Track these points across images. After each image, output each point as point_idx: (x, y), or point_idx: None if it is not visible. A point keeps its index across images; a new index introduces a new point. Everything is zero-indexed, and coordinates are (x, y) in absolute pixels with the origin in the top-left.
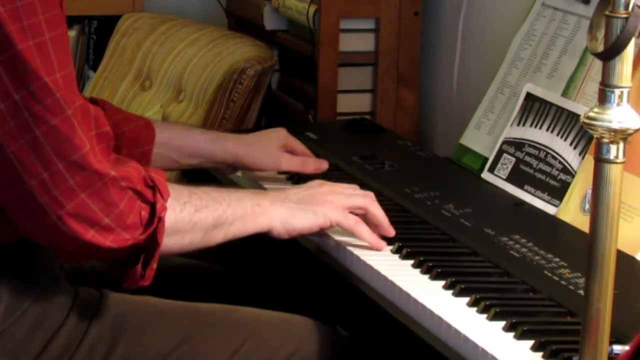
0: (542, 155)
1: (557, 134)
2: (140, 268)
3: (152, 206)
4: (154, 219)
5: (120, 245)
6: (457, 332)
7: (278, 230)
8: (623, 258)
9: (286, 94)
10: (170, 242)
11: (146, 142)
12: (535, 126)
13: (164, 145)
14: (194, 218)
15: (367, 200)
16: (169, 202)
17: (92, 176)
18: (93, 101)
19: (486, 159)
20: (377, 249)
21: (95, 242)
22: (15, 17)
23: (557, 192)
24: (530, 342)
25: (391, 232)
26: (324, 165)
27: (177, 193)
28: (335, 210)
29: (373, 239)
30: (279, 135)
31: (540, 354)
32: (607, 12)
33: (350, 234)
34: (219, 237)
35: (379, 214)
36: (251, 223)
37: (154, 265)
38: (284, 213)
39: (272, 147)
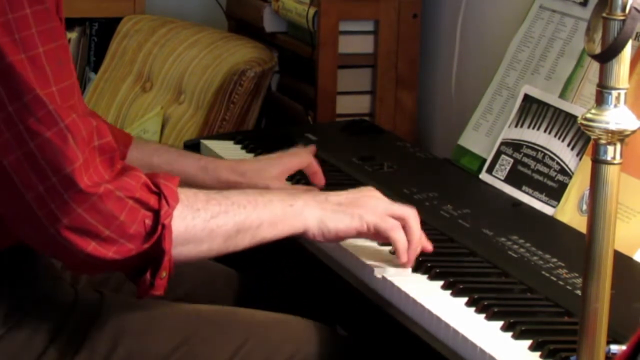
0: (539, 156)
1: (555, 135)
2: (149, 277)
3: (156, 213)
4: (158, 227)
5: (124, 256)
6: (455, 332)
7: (313, 231)
8: (620, 258)
9: (286, 95)
10: (185, 250)
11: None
12: (533, 127)
13: (154, 169)
14: (210, 225)
15: (409, 212)
16: (178, 209)
17: (84, 193)
18: None
19: (484, 160)
20: (402, 264)
21: (97, 254)
22: (6, 30)
23: (555, 193)
24: (528, 342)
25: (415, 252)
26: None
27: (190, 200)
28: (374, 214)
29: (403, 253)
30: (279, 162)
31: (538, 353)
32: (604, 14)
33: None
34: (244, 242)
35: (415, 230)
36: (283, 225)
37: (163, 274)
38: (319, 214)
39: (266, 176)
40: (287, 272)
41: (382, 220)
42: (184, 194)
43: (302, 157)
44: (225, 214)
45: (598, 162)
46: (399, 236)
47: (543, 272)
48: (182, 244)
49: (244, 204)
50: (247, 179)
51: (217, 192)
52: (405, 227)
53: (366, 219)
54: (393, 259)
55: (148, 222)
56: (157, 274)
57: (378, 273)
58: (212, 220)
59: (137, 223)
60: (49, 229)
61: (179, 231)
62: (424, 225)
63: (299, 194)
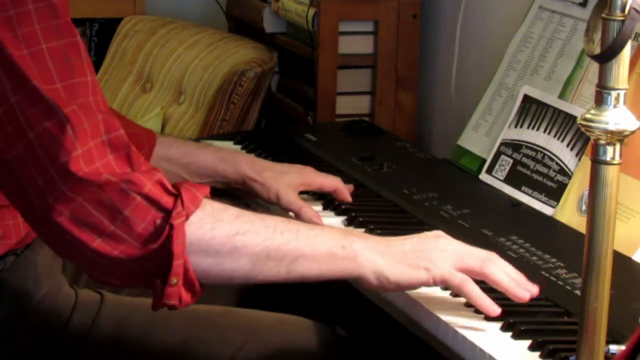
0: (539, 156)
1: (554, 136)
2: (159, 284)
3: (168, 214)
4: (166, 227)
5: (131, 256)
6: (455, 332)
7: (369, 280)
8: (619, 258)
9: (286, 96)
10: (205, 263)
11: (141, 145)
12: (533, 128)
13: (172, 161)
14: (235, 241)
15: (485, 265)
16: (197, 215)
17: (81, 181)
18: None
19: (484, 161)
20: (490, 314)
21: (103, 251)
22: (8, 26)
23: (554, 193)
24: (528, 342)
25: (524, 296)
26: (316, 221)
27: (216, 211)
28: (441, 268)
29: (484, 301)
30: (300, 173)
31: (538, 353)
32: (603, 15)
33: None
34: (277, 272)
35: (501, 279)
36: (330, 265)
37: (174, 280)
38: (379, 262)
39: (282, 180)
40: None
41: (449, 275)
42: (211, 204)
43: (328, 179)
44: (255, 234)
45: (597, 163)
46: (469, 290)
47: (542, 272)
48: (199, 254)
49: (281, 230)
50: (262, 178)
51: (252, 213)
52: (486, 280)
53: (433, 273)
54: None
55: (159, 222)
56: (167, 280)
57: None
58: (237, 236)
59: (146, 222)
60: (50, 224)
61: (194, 238)
62: (424, 225)
63: (359, 236)
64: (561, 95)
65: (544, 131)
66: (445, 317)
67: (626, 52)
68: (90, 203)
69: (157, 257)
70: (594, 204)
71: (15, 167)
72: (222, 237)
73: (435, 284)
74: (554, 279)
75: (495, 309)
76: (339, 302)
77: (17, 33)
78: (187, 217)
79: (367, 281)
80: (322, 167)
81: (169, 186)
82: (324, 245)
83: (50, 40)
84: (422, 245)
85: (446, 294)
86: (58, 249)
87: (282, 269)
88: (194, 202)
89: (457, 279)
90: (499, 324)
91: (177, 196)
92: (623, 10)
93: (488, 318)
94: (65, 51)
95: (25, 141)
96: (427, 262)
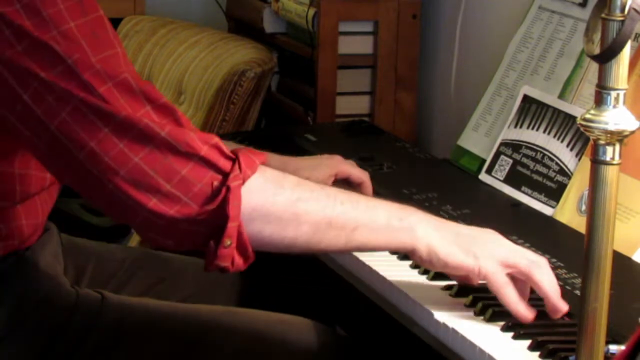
0: (539, 156)
1: (554, 136)
2: (212, 245)
3: (225, 177)
4: (223, 188)
5: (186, 215)
6: (454, 332)
7: (421, 254)
8: (619, 259)
9: (286, 96)
10: (266, 230)
11: None
12: (532, 128)
13: None
14: (296, 208)
15: (533, 267)
16: (258, 180)
17: (140, 135)
18: None
19: (484, 161)
20: (523, 320)
21: (159, 211)
22: (32, 10)
23: (554, 194)
24: (527, 342)
25: (562, 307)
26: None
27: (276, 177)
28: (490, 260)
29: (519, 307)
30: (330, 162)
31: (537, 353)
32: (603, 15)
33: None
34: (338, 242)
35: (545, 285)
36: (387, 237)
37: (227, 242)
38: (433, 238)
39: (319, 174)
40: (288, 272)
41: (493, 271)
42: (271, 171)
43: (356, 170)
44: (316, 201)
45: (597, 163)
46: (507, 293)
47: None
48: (261, 221)
49: (341, 200)
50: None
51: (311, 182)
52: (530, 284)
53: (481, 262)
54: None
55: (216, 184)
56: (221, 242)
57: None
58: (298, 202)
59: (203, 183)
60: (107, 185)
61: (256, 203)
62: None
63: (415, 211)
64: (561, 96)
65: (544, 131)
66: (445, 317)
67: (626, 52)
68: (146, 161)
69: (212, 219)
70: (593, 204)
71: (62, 135)
72: (283, 203)
73: (479, 275)
74: None
75: (529, 315)
76: (339, 302)
77: (43, 15)
78: (244, 181)
79: (419, 255)
80: None
81: (226, 150)
82: (382, 216)
83: (75, 18)
84: (477, 232)
85: (446, 293)
86: (112, 212)
87: (341, 239)
88: (251, 167)
89: (497, 277)
90: (499, 324)
91: (234, 160)
92: (623, 10)
93: (488, 318)
94: (92, 27)
95: (69, 108)
96: (477, 249)
